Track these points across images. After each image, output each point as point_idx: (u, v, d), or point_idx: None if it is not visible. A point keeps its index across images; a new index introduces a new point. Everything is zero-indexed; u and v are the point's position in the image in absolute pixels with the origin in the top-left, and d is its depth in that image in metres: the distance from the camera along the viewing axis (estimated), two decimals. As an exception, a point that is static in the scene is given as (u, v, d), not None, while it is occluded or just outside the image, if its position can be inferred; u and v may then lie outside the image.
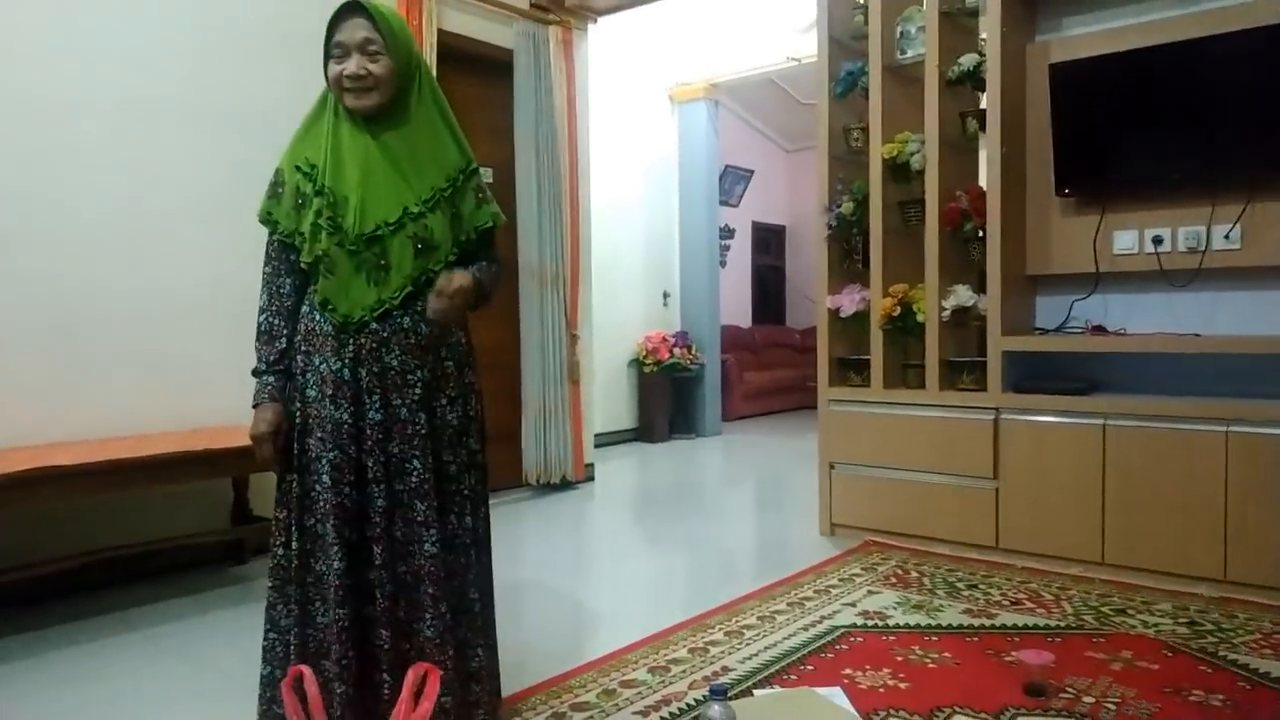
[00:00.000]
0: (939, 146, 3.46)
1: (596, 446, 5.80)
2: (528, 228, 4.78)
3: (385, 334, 1.72)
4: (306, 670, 1.52)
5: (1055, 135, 3.34)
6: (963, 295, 3.42)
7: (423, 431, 1.73)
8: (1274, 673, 2.32)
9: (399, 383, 1.73)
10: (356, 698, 1.65)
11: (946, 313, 3.45)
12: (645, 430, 7.03)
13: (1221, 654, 2.45)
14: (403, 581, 1.71)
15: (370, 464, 1.70)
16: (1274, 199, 3.01)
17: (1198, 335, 3.08)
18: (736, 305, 9.63)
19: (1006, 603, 2.92)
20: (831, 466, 3.82)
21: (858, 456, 3.74)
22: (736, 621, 2.77)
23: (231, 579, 3.41)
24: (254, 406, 1.76)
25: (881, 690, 2.24)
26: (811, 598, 3.01)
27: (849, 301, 3.69)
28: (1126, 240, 3.32)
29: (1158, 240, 3.23)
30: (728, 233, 9.42)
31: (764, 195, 9.99)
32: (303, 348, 1.75)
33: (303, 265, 1.74)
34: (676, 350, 6.97)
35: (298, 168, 1.75)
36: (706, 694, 1.68)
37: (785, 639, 2.62)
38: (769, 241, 10.52)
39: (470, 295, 1.74)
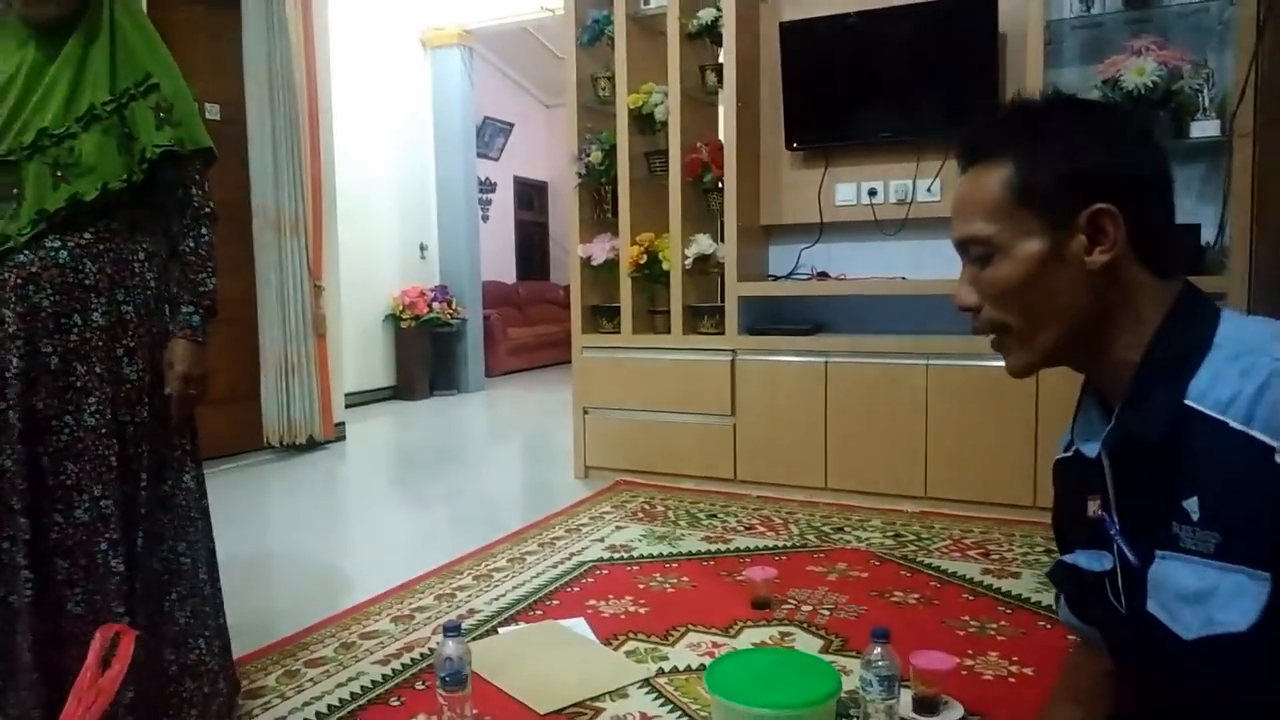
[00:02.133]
0: (680, 99, 3.56)
1: (350, 406, 5.55)
2: (261, 171, 4.43)
3: (34, 269, 1.50)
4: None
5: (785, 91, 3.55)
6: (703, 244, 3.57)
7: (78, 385, 1.52)
8: (959, 571, 2.64)
9: (50, 327, 1.51)
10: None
11: (689, 261, 3.59)
12: (404, 388, 6.81)
13: (920, 560, 2.76)
14: (47, 556, 1.51)
15: (13, 419, 1.48)
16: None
17: (904, 279, 3.41)
18: (500, 261, 9.52)
19: (741, 529, 3.13)
20: (585, 411, 3.89)
21: (609, 400, 3.83)
22: (486, 565, 2.76)
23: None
24: None
25: (622, 617, 2.32)
26: (562, 537, 3.06)
27: (600, 250, 3.75)
28: (846, 193, 3.60)
29: (872, 192, 3.54)
30: (489, 187, 9.27)
31: (525, 150, 9.90)
32: None
33: None
34: (436, 305, 6.79)
35: None
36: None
37: (533, 578, 2.65)
38: (531, 197, 10.47)
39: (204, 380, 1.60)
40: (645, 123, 3.70)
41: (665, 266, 3.63)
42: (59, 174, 1.49)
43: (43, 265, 1.50)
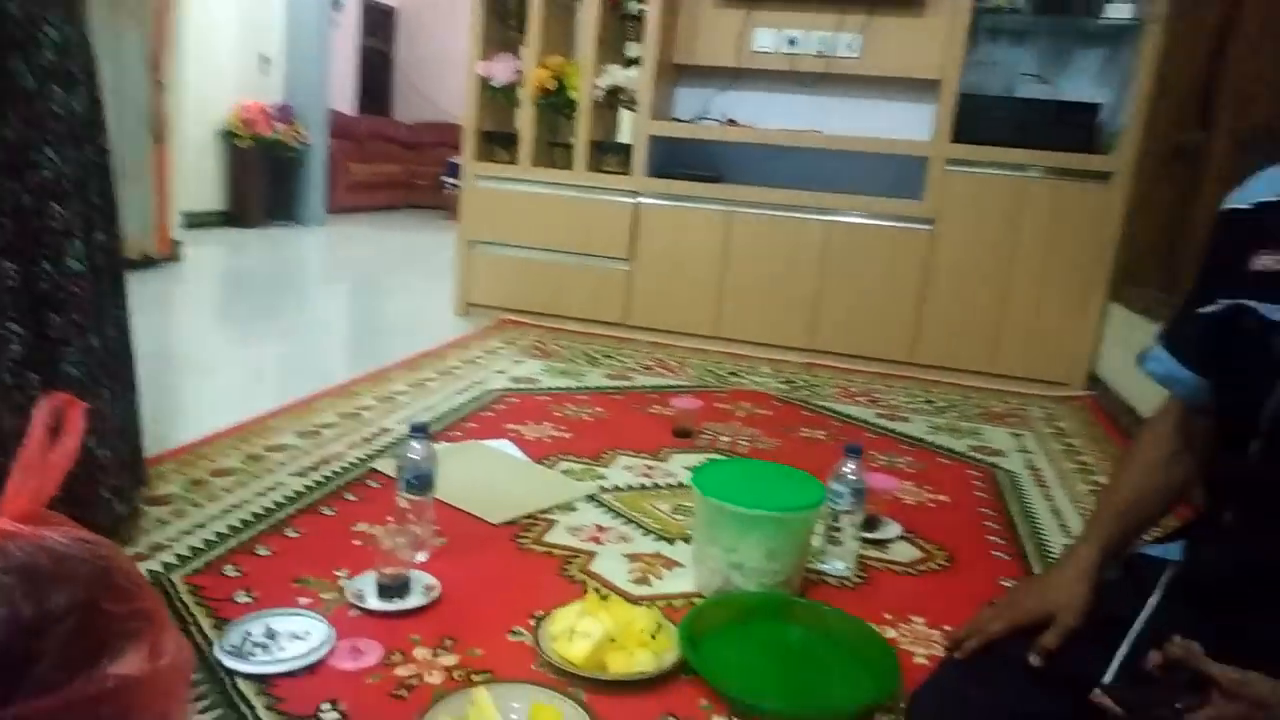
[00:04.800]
0: (604, -90, 3.30)
1: (181, 227, 5.00)
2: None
3: None
4: None
5: (715, -81, 3.36)
6: (618, 75, 3.39)
7: None
8: (854, 414, 2.77)
9: None
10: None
11: (600, 92, 3.41)
12: (239, 214, 6.23)
13: (815, 403, 2.87)
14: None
15: None
16: (890, 14, 3.35)
17: (819, 132, 3.41)
18: (339, 90, 8.75)
19: (640, 369, 3.12)
20: (471, 245, 3.69)
21: (499, 235, 3.65)
22: (385, 389, 2.61)
23: None
24: None
25: (548, 440, 2.27)
26: (459, 367, 2.93)
27: (503, 70, 3.48)
28: (766, 39, 3.50)
29: (792, 41, 3.46)
30: (334, 4, 8.39)
31: (375, -34, 9.01)
32: None
33: None
34: (279, 126, 6.17)
35: None
36: (408, 431, 1.53)
37: (442, 401, 2.53)
38: (379, 23, 9.60)
39: None
40: (562, -66, 3.41)
41: (573, 95, 3.43)
42: None
43: None
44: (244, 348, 3.21)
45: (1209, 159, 2.71)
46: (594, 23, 3.38)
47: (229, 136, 6.05)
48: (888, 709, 1.20)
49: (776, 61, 3.50)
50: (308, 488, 1.84)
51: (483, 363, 3.01)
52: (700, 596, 1.50)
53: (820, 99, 3.54)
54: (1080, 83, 3.29)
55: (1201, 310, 1.03)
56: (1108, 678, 0.92)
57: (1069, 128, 3.08)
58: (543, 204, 3.56)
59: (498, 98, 3.60)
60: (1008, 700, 0.98)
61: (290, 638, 1.24)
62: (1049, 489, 2.24)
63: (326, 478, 1.91)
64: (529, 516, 1.77)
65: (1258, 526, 0.92)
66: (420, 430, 1.52)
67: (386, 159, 8.69)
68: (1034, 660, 0.99)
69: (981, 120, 3.14)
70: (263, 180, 6.29)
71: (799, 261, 3.37)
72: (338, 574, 1.47)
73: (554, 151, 3.60)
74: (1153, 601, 0.98)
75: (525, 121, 3.53)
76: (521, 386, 2.76)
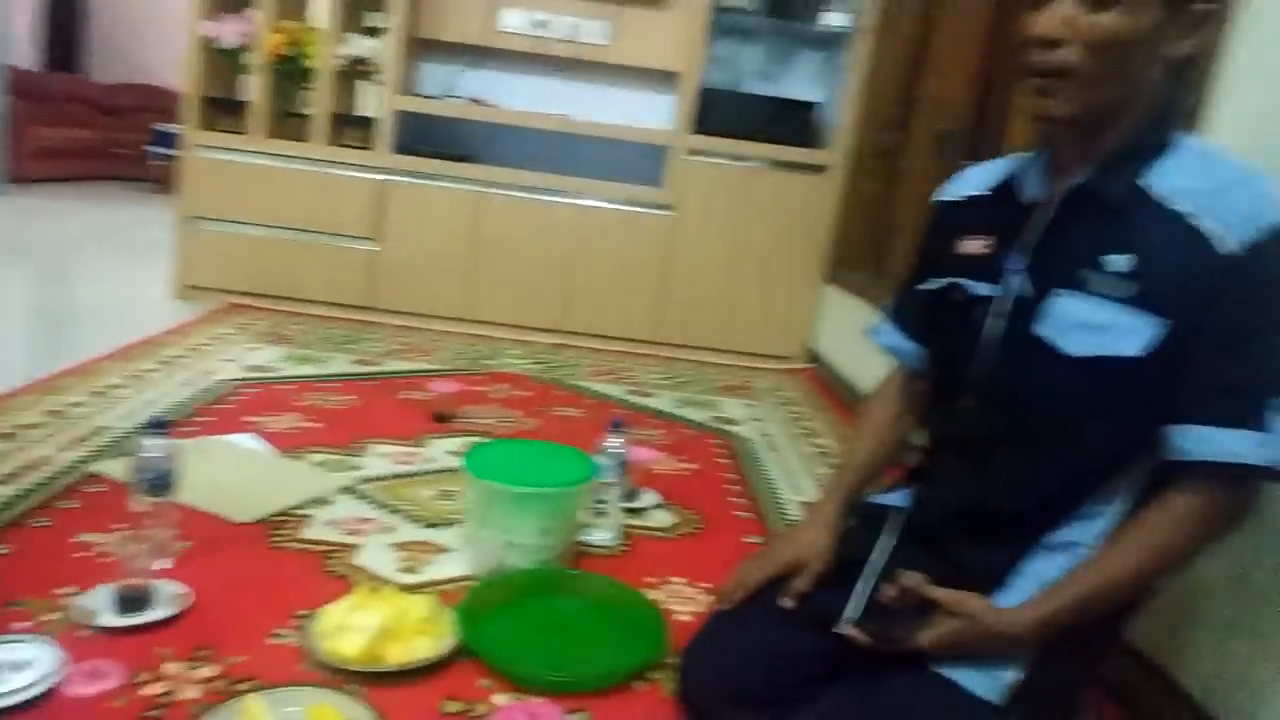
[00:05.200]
0: None
1: None
2: None
3: None
4: None
5: (457, -107, 3.28)
6: (361, 45, 3.23)
7: None
8: (606, 391, 2.87)
9: None
10: None
11: (341, 62, 3.23)
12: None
13: (570, 383, 2.94)
14: None
15: None
16: (638, 5, 3.46)
17: (566, 117, 3.45)
18: (18, 43, 7.56)
19: (390, 353, 3.02)
20: (191, 221, 3.37)
21: (226, 212, 3.36)
22: (97, 382, 2.33)
23: None
24: None
25: (295, 432, 2.15)
26: (184, 356, 2.68)
27: (231, 31, 3.19)
28: (514, 19, 3.49)
29: (540, 24, 3.47)
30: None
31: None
32: None
33: None
34: (-66, 76, 5.23)
35: None
36: (141, 428, 1.39)
37: (166, 395, 2.31)
38: (62, -35, 8.39)
39: None
40: (291, -111, 3.18)
41: (310, 64, 3.22)
42: None
43: None
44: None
45: (906, 157, 3.08)
46: (332, -12, 3.20)
47: None
48: (659, 665, 1.28)
49: (525, 43, 3.50)
50: (14, 498, 1.62)
51: (210, 351, 2.77)
52: (474, 579, 1.50)
53: (568, 84, 3.59)
54: (802, 82, 3.60)
55: (919, 287, 1.19)
56: (851, 612, 1.05)
57: (791, 124, 3.37)
58: (277, 178, 3.32)
59: (223, 61, 3.30)
60: (769, 641, 1.09)
61: (10, 669, 1.09)
62: (780, 453, 2.46)
63: (35, 485, 1.68)
64: (281, 513, 1.67)
65: (967, 471, 1.09)
66: (158, 425, 1.39)
67: (80, 124, 7.62)
68: (787, 603, 1.11)
69: (717, 113, 3.35)
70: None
71: (549, 244, 3.41)
72: (61, 592, 1.31)
73: (289, 123, 3.37)
74: (885, 543, 1.13)
75: (257, 89, 3.26)
76: (259, 375, 2.58)
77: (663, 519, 1.88)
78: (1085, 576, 0.96)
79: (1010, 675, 0.97)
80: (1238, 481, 0.94)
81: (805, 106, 3.39)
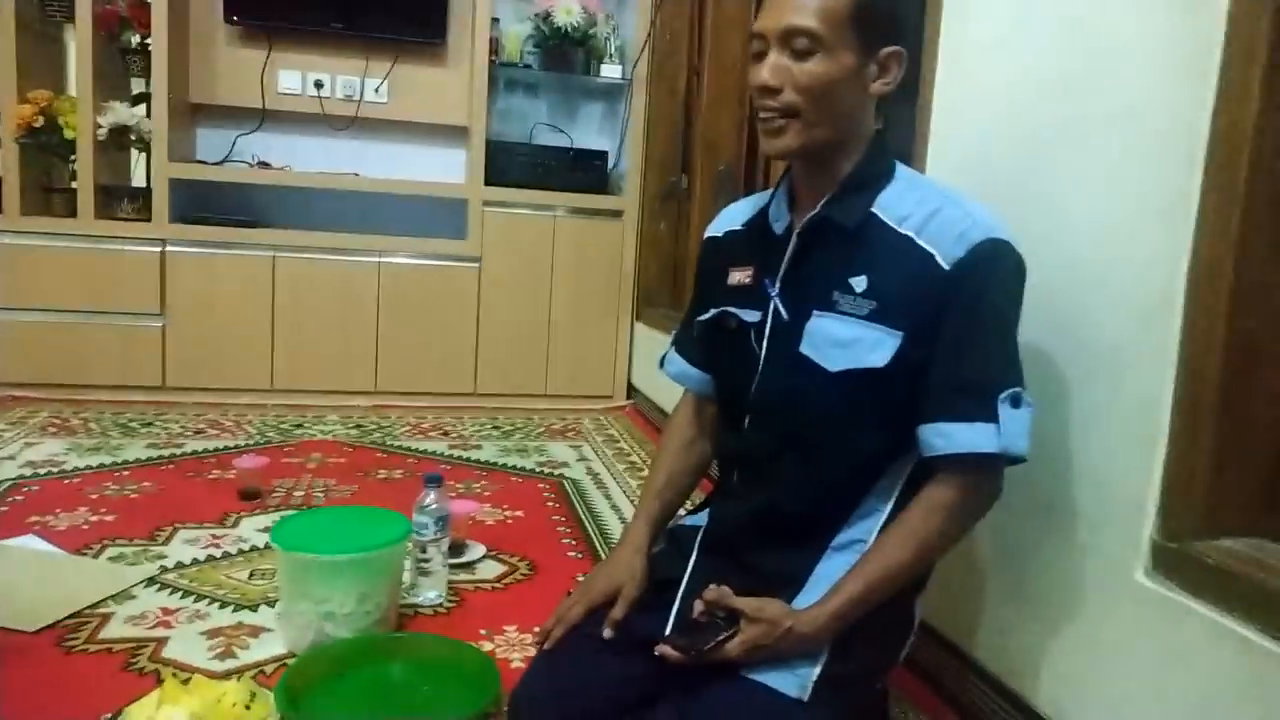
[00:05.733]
0: (87, -67, 2.97)
1: None
2: None
3: None
4: None
5: (224, -45, 3.21)
6: (123, 113, 3.07)
7: None
8: (429, 448, 2.84)
9: None
10: None
11: (104, 131, 3.05)
12: None
13: (389, 443, 2.89)
14: None
15: None
16: (414, 64, 3.49)
17: (357, 175, 3.41)
18: None
19: (190, 433, 2.86)
20: (-53, 312, 3.06)
21: (-15, 299, 3.08)
22: None
23: None
24: None
25: (86, 527, 1.99)
26: (-51, 461, 2.43)
27: (-33, 103, 2.94)
28: (291, 80, 3.42)
29: (319, 84, 3.43)
30: None
31: None
32: None
33: None
34: None
35: None
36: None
37: (-70, 505, 2.08)
38: None
39: None
40: (34, -46, 2.99)
41: (69, 135, 3.02)
42: None
43: None
44: None
45: (690, 197, 3.28)
46: (88, 55, 3.02)
47: None
48: (491, 715, 1.29)
49: (305, 104, 3.44)
50: None
51: (-19, 451, 2.53)
52: (293, 656, 1.45)
53: (355, 142, 3.55)
54: (589, 132, 3.74)
55: (698, 318, 1.29)
56: (667, 630, 1.11)
57: (584, 172, 3.49)
58: (42, 259, 3.08)
59: (-40, 137, 3.03)
60: (594, 674, 1.13)
61: None
62: (607, 489, 2.53)
63: None
64: (74, 616, 1.55)
65: (756, 483, 1.18)
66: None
67: None
68: (607, 633, 1.15)
69: (509, 164, 3.42)
70: None
71: (355, 305, 3.34)
72: None
73: (51, 198, 3.13)
74: (692, 560, 1.20)
75: (8, 165, 3.02)
76: (42, 472, 2.37)
77: (492, 569, 1.89)
78: (865, 569, 1.07)
79: (812, 671, 1.06)
80: (983, 468, 1.08)
81: (594, 155, 3.53)
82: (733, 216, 1.30)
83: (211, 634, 1.53)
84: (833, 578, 1.09)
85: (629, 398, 3.64)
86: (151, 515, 2.08)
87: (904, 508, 1.10)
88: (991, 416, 1.03)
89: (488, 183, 3.39)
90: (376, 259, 3.35)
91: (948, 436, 1.05)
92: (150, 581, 1.72)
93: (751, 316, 1.17)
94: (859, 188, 1.12)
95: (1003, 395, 1.04)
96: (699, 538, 1.23)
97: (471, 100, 3.38)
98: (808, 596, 1.10)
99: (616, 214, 3.51)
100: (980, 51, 1.47)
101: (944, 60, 1.55)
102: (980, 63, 1.47)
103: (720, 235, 1.30)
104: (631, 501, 2.40)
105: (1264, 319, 0.95)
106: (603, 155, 3.54)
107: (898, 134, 1.58)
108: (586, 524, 2.22)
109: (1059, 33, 1.29)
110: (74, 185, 3.13)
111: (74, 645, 1.46)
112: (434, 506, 1.67)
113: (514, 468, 2.69)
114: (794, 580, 1.13)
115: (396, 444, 2.88)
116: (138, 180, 3.34)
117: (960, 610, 1.44)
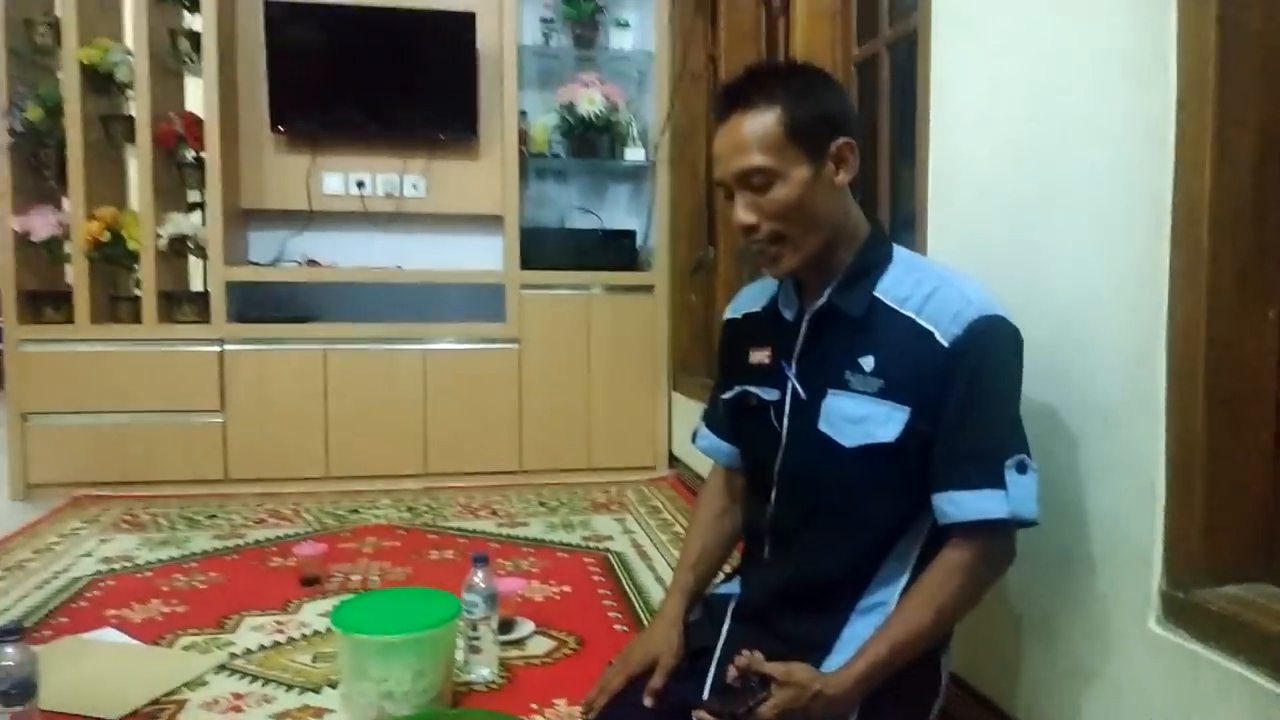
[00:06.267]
0: (149, 62, 3.23)
1: None
2: None
3: None
4: None
5: (271, 71, 3.45)
6: (181, 223, 3.29)
7: None
8: (477, 528, 2.94)
9: None
10: None
11: (164, 241, 3.27)
12: None
13: (439, 525, 2.99)
14: None
15: None
16: (448, 159, 3.70)
17: (400, 268, 3.59)
18: None
19: (251, 523, 2.99)
20: (25, 418, 3.26)
21: (61, 403, 3.27)
22: (-67, 603, 2.22)
23: None
24: None
25: (160, 619, 2.11)
26: (32, 559, 2.58)
27: (41, 224, 3.18)
28: (334, 183, 3.64)
29: (361, 184, 3.64)
30: None
31: None
32: None
33: None
34: None
35: None
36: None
37: (19, 601, 2.22)
38: None
39: None
40: (101, 83, 3.26)
41: (133, 246, 3.25)
42: None
43: None
44: None
45: (717, 271, 3.39)
46: (148, 171, 3.26)
47: None
48: (546, 784, 1.35)
49: (348, 203, 3.65)
50: None
51: (61, 548, 2.67)
52: (357, 735, 1.53)
53: (396, 236, 3.75)
54: (617, 212, 3.90)
55: (723, 396, 1.38)
56: (705, 696, 1.17)
57: (615, 250, 3.64)
58: (111, 363, 3.28)
59: (39, 254, 3.27)
60: (637, 738, 1.20)
61: None
62: (650, 560, 2.59)
63: (-127, 725, 1.60)
64: (153, 703, 1.65)
65: (782, 554, 1.26)
66: (10, 632, 1.39)
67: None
68: (647, 701, 1.22)
69: (543, 247, 3.58)
70: None
71: (401, 391, 3.49)
72: (-79, 830, 1.27)
73: (118, 306, 3.35)
74: (725, 629, 1.27)
75: (78, 277, 3.24)
76: (116, 567, 2.51)
77: (541, 645, 1.96)
78: (888, 633, 1.12)
79: (842, 731, 1.11)
80: (994, 533, 1.13)
81: (624, 234, 3.68)
82: (748, 300, 1.40)
83: (279, 716, 1.62)
84: (859, 640, 1.14)
85: (671, 466, 3.71)
86: (219, 604, 2.19)
87: (922, 570, 1.16)
88: (999, 483, 1.10)
89: (523, 266, 3.55)
90: (421, 346, 3.50)
91: (958, 504, 1.11)
92: (221, 668, 1.82)
93: (771, 395, 1.26)
94: (860, 275, 1.20)
95: (1008, 462, 1.10)
96: (731, 606, 1.30)
97: (504, 190, 3.56)
98: (836, 659, 1.16)
99: (648, 288, 3.64)
100: (964, 123, 1.57)
101: (934, 133, 1.65)
102: (965, 134, 1.57)
103: (739, 318, 1.40)
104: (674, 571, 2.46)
105: (1240, 375, 1.02)
106: (631, 234, 3.68)
107: (903, 199, 1.67)
108: (631, 597, 2.28)
109: (1029, 101, 1.38)
110: (137, 293, 3.35)
111: (154, 732, 1.56)
112: (483, 585, 1.75)
113: (560, 543, 2.76)
114: (822, 644, 1.19)
115: (447, 524, 2.98)
116: (196, 284, 3.56)
117: (992, 664, 1.47)
